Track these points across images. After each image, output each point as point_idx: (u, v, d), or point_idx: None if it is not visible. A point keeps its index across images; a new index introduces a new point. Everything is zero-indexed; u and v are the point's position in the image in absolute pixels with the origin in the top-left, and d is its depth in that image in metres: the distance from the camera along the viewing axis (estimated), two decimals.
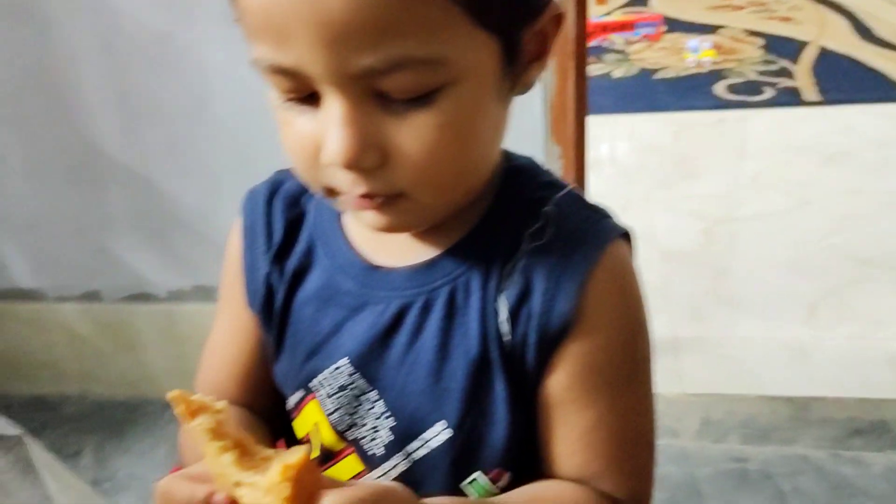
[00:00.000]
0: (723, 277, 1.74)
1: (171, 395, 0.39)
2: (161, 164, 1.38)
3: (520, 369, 0.48)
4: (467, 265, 0.48)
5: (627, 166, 2.26)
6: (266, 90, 0.44)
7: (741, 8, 3.32)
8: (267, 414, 0.56)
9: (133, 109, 1.34)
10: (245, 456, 0.38)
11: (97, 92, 1.33)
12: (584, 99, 1.20)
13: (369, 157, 0.41)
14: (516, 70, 0.45)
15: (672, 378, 1.41)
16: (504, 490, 0.50)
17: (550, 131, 1.21)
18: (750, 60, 2.83)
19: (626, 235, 0.50)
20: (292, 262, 0.53)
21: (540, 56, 0.46)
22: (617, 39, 3.10)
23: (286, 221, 0.53)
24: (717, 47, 2.91)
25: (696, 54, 2.83)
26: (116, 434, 1.51)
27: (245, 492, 0.38)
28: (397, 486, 0.42)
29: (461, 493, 0.49)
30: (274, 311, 0.53)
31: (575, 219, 0.48)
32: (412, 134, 0.41)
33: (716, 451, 1.39)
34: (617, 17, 3.20)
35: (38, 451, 0.53)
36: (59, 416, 1.55)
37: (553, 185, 0.51)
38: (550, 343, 0.47)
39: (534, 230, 0.47)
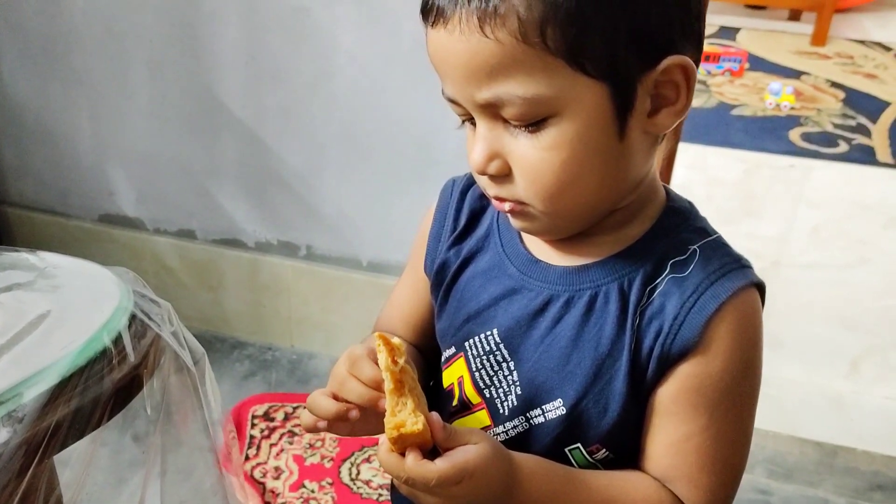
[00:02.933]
0: (771, 319, 1.78)
1: (378, 334, 0.50)
2: (273, 126, 1.48)
3: (640, 374, 0.55)
4: (612, 278, 0.56)
5: (693, 196, 2.28)
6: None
7: (828, 58, 3.33)
8: (428, 355, 0.68)
9: (258, 72, 1.44)
10: (398, 389, 0.50)
11: (229, 51, 1.43)
12: (678, 133, 1.27)
13: (492, 166, 0.53)
14: (634, 112, 0.50)
15: None
16: (599, 462, 0.59)
17: None
18: (828, 112, 2.85)
19: (760, 287, 0.57)
20: (469, 243, 0.63)
21: (674, 102, 0.52)
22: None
23: (471, 211, 0.64)
24: (798, 93, 2.94)
25: (776, 97, 2.86)
26: None
27: (387, 414, 0.51)
28: (492, 455, 0.50)
29: (565, 456, 0.58)
30: (445, 279, 0.64)
31: (717, 262, 0.55)
32: (522, 153, 0.51)
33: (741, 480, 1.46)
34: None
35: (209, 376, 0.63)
36: None
37: (705, 230, 0.58)
38: (669, 360, 0.54)
39: (678, 261, 0.55)
